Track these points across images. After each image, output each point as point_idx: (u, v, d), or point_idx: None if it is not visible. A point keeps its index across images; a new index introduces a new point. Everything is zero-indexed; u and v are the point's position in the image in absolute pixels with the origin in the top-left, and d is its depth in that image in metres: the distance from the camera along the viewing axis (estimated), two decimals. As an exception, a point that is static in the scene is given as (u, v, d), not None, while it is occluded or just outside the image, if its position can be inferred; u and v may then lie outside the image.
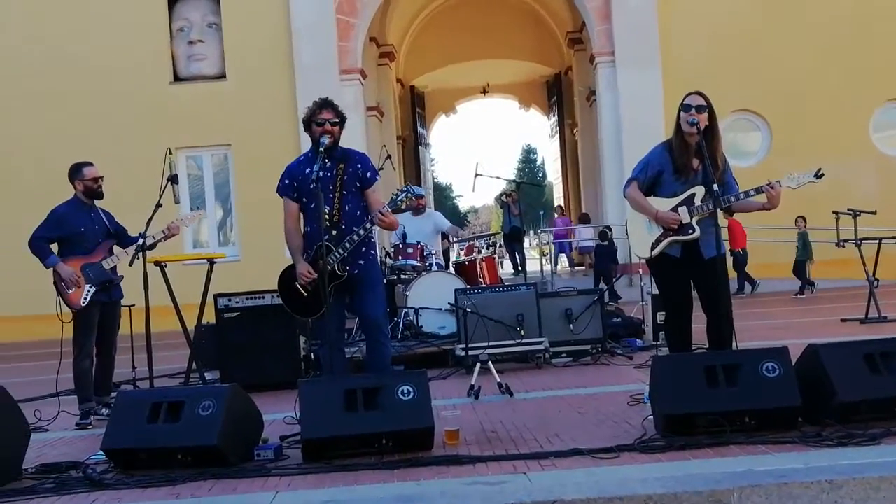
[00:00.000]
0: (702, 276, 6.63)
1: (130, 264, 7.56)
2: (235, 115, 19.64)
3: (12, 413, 5.95)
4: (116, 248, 8.18)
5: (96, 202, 8.25)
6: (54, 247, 8.13)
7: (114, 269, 8.13)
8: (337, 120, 6.86)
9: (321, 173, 6.66)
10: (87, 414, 8.05)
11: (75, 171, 8.20)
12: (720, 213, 6.70)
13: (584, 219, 23.83)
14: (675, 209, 6.68)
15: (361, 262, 6.91)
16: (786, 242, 18.46)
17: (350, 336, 10.30)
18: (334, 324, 6.85)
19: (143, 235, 7.82)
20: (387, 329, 7.16)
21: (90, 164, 8.25)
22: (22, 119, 19.70)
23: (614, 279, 18.03)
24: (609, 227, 18.92)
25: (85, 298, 7.95)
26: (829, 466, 4.82)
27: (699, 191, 6.61)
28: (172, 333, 9.59)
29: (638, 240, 6.92)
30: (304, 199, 6.90)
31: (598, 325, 10.07)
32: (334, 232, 6.77)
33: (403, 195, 6.89)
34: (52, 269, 7.99)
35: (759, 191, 6.56)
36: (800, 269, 17.79)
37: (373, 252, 7.06)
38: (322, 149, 6.73)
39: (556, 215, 27.16)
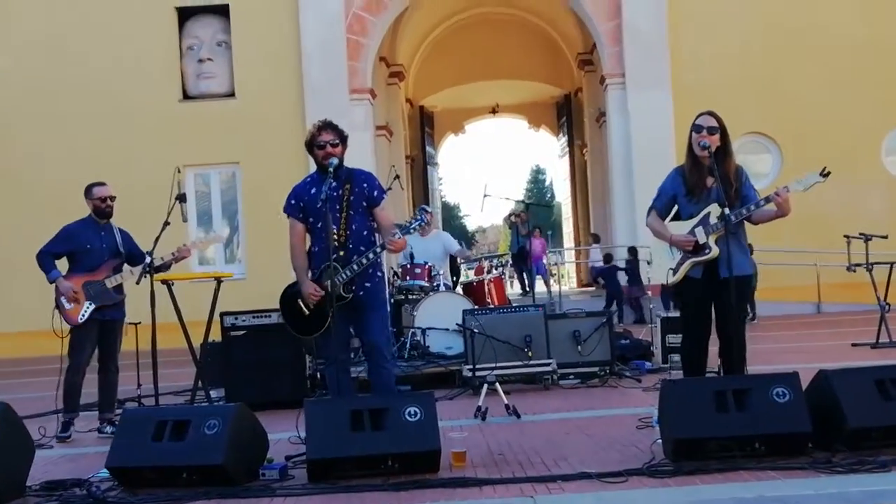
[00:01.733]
0: (718, 296, 6.57)
1: (138, 282, 7.58)
2: (244, 134, 19.68)
3: (17, 429, 5.92)
4: (126, 267, 8.20)
5: (117, 223, 8.37)
6: (65, 263, 8.21)
7: (118, 287, 8.15)
8: (338, 141, 6.83)
9: (325, 194, 6.62)
10: (66, 425, 8.15)
11: (87, 191, 8.36)
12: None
13: (596, 239, 23.79)
14: (691, 231, 6.64)
15: (367, 284, 6.86)
16: (795, 265, 18.43)
17: (356, 355, 10.26)
18: (340, 344, 6.79)
19: (150, 254, 7.84)
20: (388, 352, 7.09)
21: (102, 184, 8.38)
22: (33, 135, 19.75)
23: (639, 297, 17.99)
24: (633, 248, 18.94)
25: (83, 315, 8.04)
26: (840, 493, 4.77)
27: (714, 209, 6.55)
28: (178, 351, 9.57)
29: (660, 266, 6.89)
30: (311, 220, 6.88)
31: (607, 347, 10.01)
32: (341, 252, 6.72)
33: (416, 223, 6.85)
34: (54, 285, 8.10)
35: (767, 200, 6.51)
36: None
37: (379, 273, 7.02)
38: (331, 169, 6.70)
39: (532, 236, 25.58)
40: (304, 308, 6.87)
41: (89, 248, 8.17)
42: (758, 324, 16.82)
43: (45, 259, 8.15)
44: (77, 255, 8.20)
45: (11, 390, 11.69)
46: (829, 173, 6.59)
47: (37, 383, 8.20)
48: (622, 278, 19.37)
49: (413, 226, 6.82)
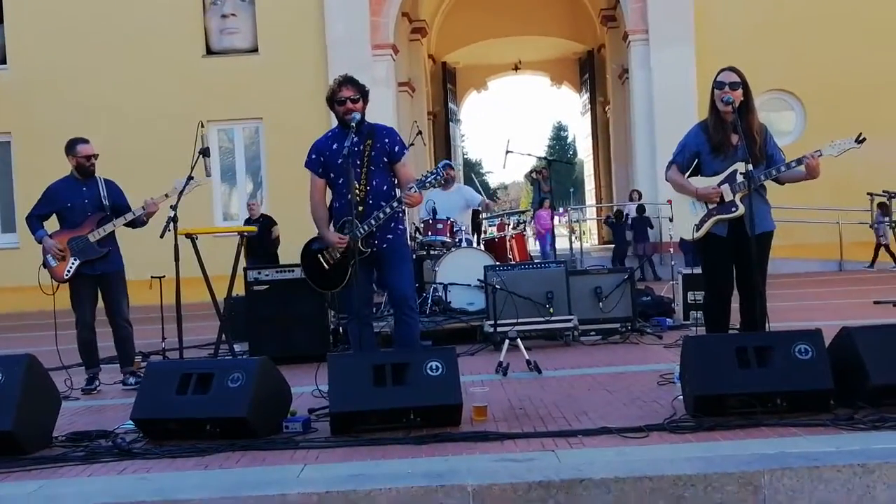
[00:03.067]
0: (741, 253, 6.53)
1: (161, 236, 7.59)
2: (267, 89, 19.68)
3: (43, 380, 6.00)
4: (119, 220, 8.21)
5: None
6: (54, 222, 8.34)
7: (104, 240, 8.17)
8: (359, 96, 6.80)
9: (347, 149, 6.60)
10: (91, 380, 8.28)
11: (69, 147, 8.33)
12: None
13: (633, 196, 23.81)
14: (717, 187, 6.60)
15: (389, 236, 6.87)
16: (817, 223, 18.34)
17: (378, 311, 10.30)
18: (362, 298, 6.82)
19: (174, 208, 7.82)
20: (415, 304, 7.11)
21: (85, 141, 8.34)
22: (57, 90, 19.78)
23: (644, 257, 18.02)
24: (641, 206, 18.99)
25: (68, 271, 8.12)
26: (862, 450, 4.76)
27: (741, 167, 6.48)
28: (200, 305, 9.63)
29: (682, 221, 6.86)
30: (332, 175, 6.88)
31: (628, 304, 10.00)
32: (360, 207, 6.73)
33: (433, 177, 6.81)
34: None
35: (799, 162, 6.45)
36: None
37: (401, 227, 7.02)
38: (353, 125, 6.69)
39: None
40: (325, 263, 6.90)
41: (70, 205, 8.22)
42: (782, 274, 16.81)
43: (32, 221, 8.30)
44: (61, 213, 8.28)
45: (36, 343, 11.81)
46: (864, 139, 6.52)
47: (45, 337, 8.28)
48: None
49: (429, 179, 6.79)
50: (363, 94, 6.85)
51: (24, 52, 20.07)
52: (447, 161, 7.33)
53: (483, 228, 12.37)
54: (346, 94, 6.75)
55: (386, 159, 6.87)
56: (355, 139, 6.70)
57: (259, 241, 15.53)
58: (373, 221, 6.69)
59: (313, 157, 6.97)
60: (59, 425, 6.07)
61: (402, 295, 6.93)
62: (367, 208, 6.74)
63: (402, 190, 6.82)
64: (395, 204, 6.71)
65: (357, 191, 6.72)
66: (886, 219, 16.40)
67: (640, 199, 20.01)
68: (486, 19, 28.30)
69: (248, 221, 16.74)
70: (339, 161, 6.69)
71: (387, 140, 6.91)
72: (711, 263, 6.82)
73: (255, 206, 17.33)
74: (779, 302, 11.86)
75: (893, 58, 19.46)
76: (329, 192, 7.00)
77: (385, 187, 6.84)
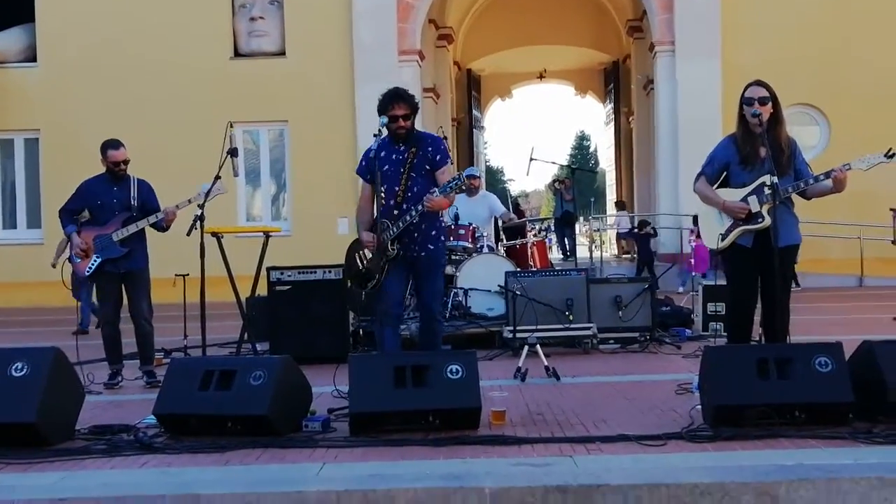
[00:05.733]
0: (765, 265, 6.52)
1: (188, 234, 7.64)
2: (293, 93, 19.73)
3: (67, 374, 6.07)
4: (142, 221, 8.26)
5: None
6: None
7: (126, 240, 8.22)
8: (409, 114, 6.97)
9: (394, 157, 6.94)
10: (113, 375, 8.39)
11: (102, 149, 8.41)
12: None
13: (621, 206, 23.91)
14: (744, 199, 6.61)
15: (431, 246, 7.07)
16: (838, 238, 18.28)
17: (407, 314, 10.34)
18: (392, 299, 7.03)
19: (202, 206, 7.87)
20: (439, 312, 7.35)
21: (117, 147, 8.36)
22: (87, 92, 19.90)
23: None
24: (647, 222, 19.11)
25: (90, 268, 8.24)
26: (880, 463, 4.78)
27: (768, 179, 6.49)
28: (221, 304, 9.68)
29: (709, 231, 6.87)
30: (378, 182, 7.04)
31: (648, 314, 10.01)
32: (396, 212, 6.92)
33: (455, 183, 6.92)
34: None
35: (827, 175, 6.45)
36: None
37: (443, 238, 7.28)
38: (400, 143, 7.00)
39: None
40: (360, 263, 7.13)
41: (100, 203, 8.33)
42: (801, 290, 16.74)
43: (63, 216, 8.41)
44: (91, 210, 8.41)
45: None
46: (894, 154, 6.50)
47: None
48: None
49: (450, 185, 6.88)
50: (413, 110, 7.04)
51: (54, 51, 20.19)
52: (473, 169, 7.44)
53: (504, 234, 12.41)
54: (398, 113, 6.94)
55: (428, 167, 7.04)
56: (401, 147, 6.99)
57: None
58: (400, 224, 6.85)
59: (363, 163, 7.19)
60: (81, 419, 6.14)
61: (430, 304, 7.16)
62: (403, 213, 6.91)
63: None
64: (419, 208, 6.81)
65: (397, 196, 6.92)
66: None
67: (622, 210, 20.06)
68: (513, 27, 28.31)
69: None
70: (385, 169, 6.92)
71: (430, 149, 7.08)
72: (737, 275, 6.83)
73: None
74: (799, 315, 11.80)
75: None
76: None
77: (424, 195, 6.96)
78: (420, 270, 7.06)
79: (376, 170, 6.92)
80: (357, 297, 9.07)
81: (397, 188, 6.92)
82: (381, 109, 6.96)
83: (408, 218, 6.84)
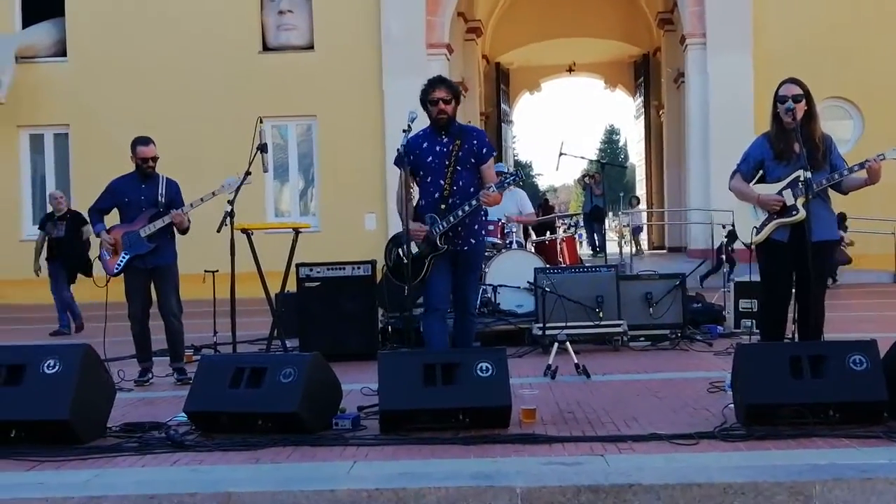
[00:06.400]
0: (802, 260, 6.45)
1: (218, 230, 7.65)
2: (322, 87, 19.75)
3: (99, 371, 6.10)
4: (167, 217, 8.25)
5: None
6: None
7: (153, 236, 8.24)
8: (450, 97, 6.96)
9: (437, 148, 6.91)
10: (143, 372, 8.45)
11: (132, 146, 8.43)
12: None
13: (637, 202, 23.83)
14: (779, 193, 6.56)
15: (473, 240, 7.08)
16: (872, 233, 18.12)
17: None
18: (439, 294, 7.06)
19: (232, 203, 7.84)
20: (475, 307, 7.41)
21: (147, 143, 8.38)
22: (113, 85, 20.00)
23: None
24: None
25: (118, 265, 8.29)
26: (915, 463, 4.72)
27: (802, 174, 6.43)
28: (250, 300, 9.69)
29: (744, 227, 6.82)
30: (421, 173, 7.07)
31: (679, 311, 9.94)
32: (442, 206, 6.92)
33: (512, 178, 6.96)
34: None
35: (861, 166, 6.39)
36: None
37: (484, 232, 7.26)
38: (443, 134, 6.95)
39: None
40: (403, 256, 7.03)
41: (128, 201, 8.39)
42: (839, 285, 16.60)
43: (93, 215, 8.53)
44: (119, 207, 8.48)
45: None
46: None
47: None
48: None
49: (508, 181, 6.94)
50: (455, 94, 7.04)
51: (83, 46, 20.29)
52: (519, 172, 7.47)
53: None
54: (439, 95, 6.94)
55: (473, 160, 7.04)
56: (445, 139, 6.96)
57: (68, 241, 13.22)
58: (451, 218, 6.86)
59: (400, 152, 7.10)
60: (112, 416, 6.17)
61: (466, 298, 7.21)
62: (451, 207, 6.91)
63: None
64: (473, 202, 6.85)
65: (443, 190, 6.92)
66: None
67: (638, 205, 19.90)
68: (542, 21, 28.23)
69: (49, 217, 13.69)
70: (429, 160, 6.92)
71: (475, 141, 7.07)
72: (770, 268, 6.77)
73: (62, 199, 13.84)
74: (832, 312, 11.71)
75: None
76: (417, 190, 7.19)
77: (472, 188, 6.99)
78: (462, 264, 7.06)
79: (418, 160, 6.96)
80: (386, 293, 9.04)
81: (443, 181, 6.92)
82: (424, 95, 6.98)
83: (460, 213, 6.87)
